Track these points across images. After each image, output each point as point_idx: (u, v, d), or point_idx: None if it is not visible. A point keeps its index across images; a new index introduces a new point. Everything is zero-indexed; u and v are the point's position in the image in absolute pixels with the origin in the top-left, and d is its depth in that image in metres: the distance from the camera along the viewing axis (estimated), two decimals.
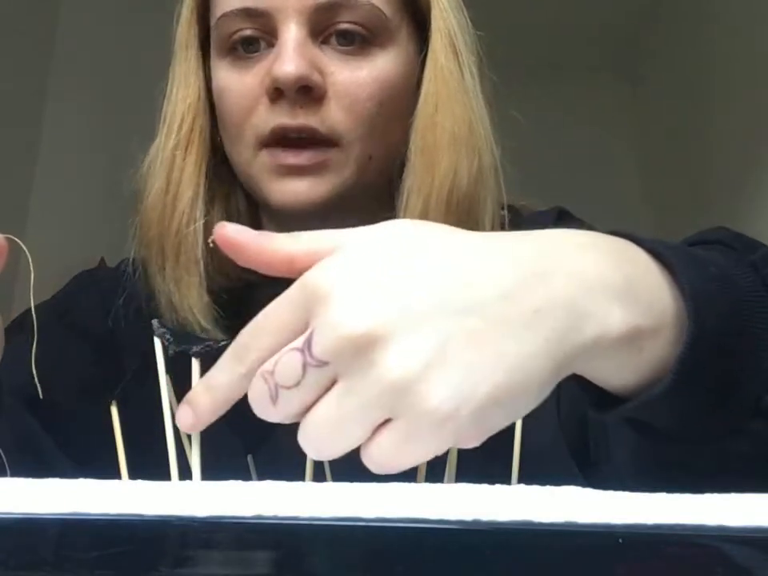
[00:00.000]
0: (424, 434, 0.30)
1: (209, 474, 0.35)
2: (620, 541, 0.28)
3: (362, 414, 0.30)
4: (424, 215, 0.57)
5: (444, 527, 0.28)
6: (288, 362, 0.30)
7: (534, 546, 0.28)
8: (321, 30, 0.57)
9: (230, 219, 0.60)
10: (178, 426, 0.34)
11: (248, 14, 0.56)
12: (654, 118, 3.28)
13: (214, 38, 0.60)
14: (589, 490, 0.30)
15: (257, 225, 0.65)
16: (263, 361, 0.31)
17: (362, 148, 0.58)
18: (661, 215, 3.21)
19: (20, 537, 0.28)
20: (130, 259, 0.66)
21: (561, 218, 0.59)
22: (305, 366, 0.30)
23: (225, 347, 0.37)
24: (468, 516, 0.28)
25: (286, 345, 0.31)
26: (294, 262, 0.33)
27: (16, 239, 0.48)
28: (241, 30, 0.57)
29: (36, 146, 2.58)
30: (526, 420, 0.46)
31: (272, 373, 0.31)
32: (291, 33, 0.55)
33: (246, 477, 0.45)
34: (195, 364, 0.36)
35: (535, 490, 0.31)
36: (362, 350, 0.29)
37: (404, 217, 0.57)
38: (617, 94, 3.45)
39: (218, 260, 0.61)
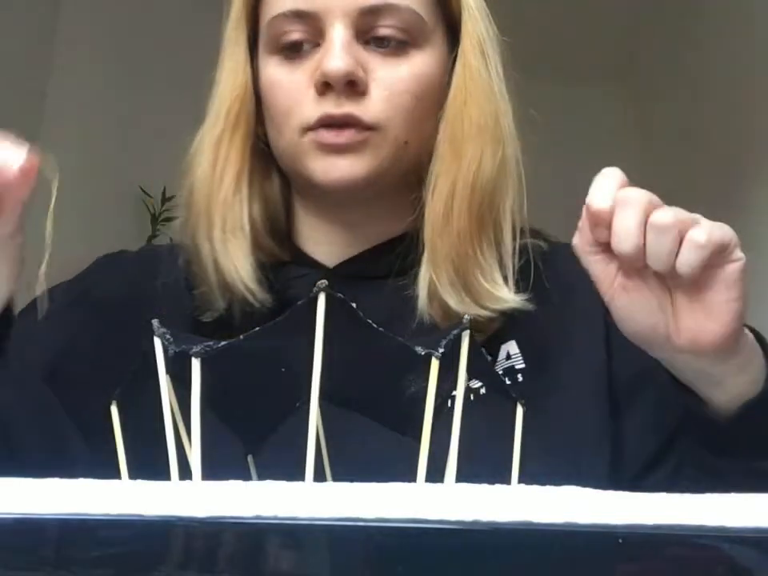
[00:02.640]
0: None
1: (209, 473, 0.35)
2: (620, 541, 0.28)
3: None
4: (450, 197, 0.62)
5: (444, 527, 0.28)
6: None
7: (534, 546, 0.28)
8: (364, 31, 0.62)
9: (266, 197, 0.68)
10: None
11: (297, 15, 0.62)
12: (655, 121, 3.28)
13: (264, 37, 0.65)
14: (589, 490, 0.30)
15: (288, 204, 0.70)
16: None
17: (398, 133, 0.63)
18: None
19: (20, 537, 0.28)
20: (183, 242, 0.69)
21: None
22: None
23: (225, 348, 0.37)
24: (468, 516, 0.28)
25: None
26: None
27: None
28: (290, 31, 0.62)
29: (36, 143, 2.58)
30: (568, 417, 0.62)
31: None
32: (338, 32, 0.61)
33: (246, 477, 0.45)
34: (195, 364, 0.36)
35: (535, 489, 0.31)
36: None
37: (432, 199, 0.63)
38: (618, 97, 3.45)
39: (255, 235, 0.66)
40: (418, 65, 0.64)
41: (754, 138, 2.40)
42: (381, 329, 0.38)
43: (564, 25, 3.01)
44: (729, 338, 0.53)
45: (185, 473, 0.36)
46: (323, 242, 0.69)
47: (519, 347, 0.65)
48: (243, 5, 0.67)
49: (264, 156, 0.68)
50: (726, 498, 0.30)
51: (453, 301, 0.62)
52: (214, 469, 0.36)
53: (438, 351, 0.36)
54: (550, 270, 0.67)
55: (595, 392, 0.64)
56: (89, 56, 2.79)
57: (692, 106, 2.91)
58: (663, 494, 0.30)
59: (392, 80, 0.63)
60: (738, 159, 2.48)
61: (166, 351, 0.37)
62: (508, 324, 0.64)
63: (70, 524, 0.28)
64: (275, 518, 0.28)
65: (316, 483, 0.31)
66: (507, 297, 0.62)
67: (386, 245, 0.68)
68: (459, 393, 0.39)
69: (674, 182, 3.00)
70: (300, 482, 0.31)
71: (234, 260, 0.64)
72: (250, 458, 0.48)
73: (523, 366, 0.64)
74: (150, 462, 0.38)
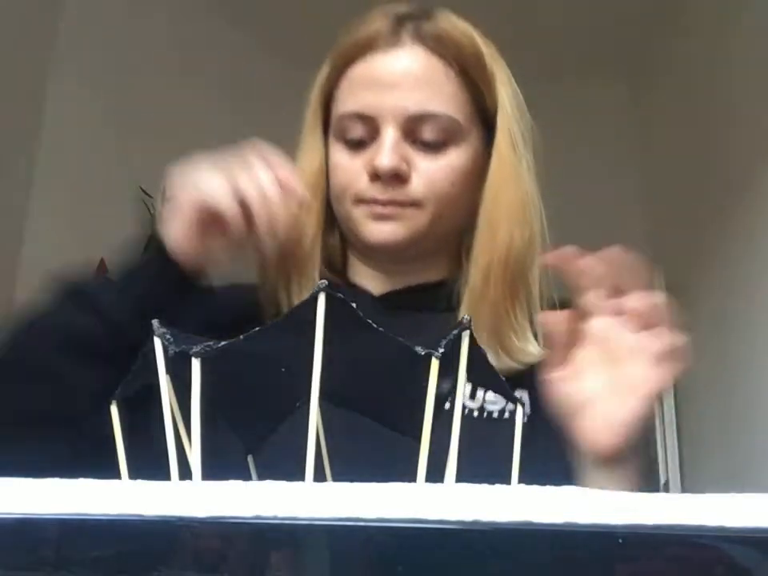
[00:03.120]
0: None
1: (209, 473, 0.35)
2: (620, 541, 0.28)
3: None
4: (488, 270, 0.76)
5: (444, 527, 0.28)
6: None
7: (533, 546, 0.28)
8: (411, 132, 0.77)
9: (328, 251, 0.84)
10: None
11: (359, 116, 0.78)
12: (657, 123, 3.28)
13: (333, 127, 0.81)
14: (589, 490, 0.30)
15: (345, 256, 0.86)
16: None
17: (433, 210, 0.78)
18: (660, 219, 3.21)
19: (20, 537, 0.28)
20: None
21: None
22: None
23: (224, 348, 0.37)
24: (468, 516, 0.28)
25: None
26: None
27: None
28: (353, 128, 0.79)
29: (36, 143, 2.58)
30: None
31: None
32: (389, 134, 0.76)
33: (246, 477, 0.45)
34: (195, 364, 0.36)
35: (535, 490, 0.31)
36: None
37: (472, 270, 0.78)
38: (618, 99, 3.45)
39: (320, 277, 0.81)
40: (453, 159, 0.78)
41: (761, 143, 2.40)
42: (381, 329, 0.38)
43: (567, 22, 3.01)
44: (618, 449, 0.64)
45: (185, 472, 0.36)
46: (370, 281, 0.84)
47: (529, 396, 0.76)
48: (319, 98, 0.84)
49: (330, 215, 0.84)
50: (725, 497, 0.30)
51: (489, 357, 0.72)
52: (214, 469, 0.37)
53: (437, 351, 0.36)
54: None
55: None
56: (90, 55, 2.79)
57: (698, 110, 2.91)
58: (663, 494, 0.30)
59: (430, 171, 0.77)
60: (746, 165, 2.48)
61: (166, 351, 0.37)
62: (525, 374, 0.75)
63: (69, 524, 0.28)
64: (275, 518, 0.28)
65: (316, 483, 0.31)
66: (535, 352, 0.75)
67: (425, 286, 0.82)
68: (459, 393, 0.39)
69: (676, 181, 3.01)
70: (300, 482, 0.31)
71: None
72: (250, 458, 0.48)
73: (529, 413, 0.75)
74: (152, 461, 0.38)
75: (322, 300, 0.36)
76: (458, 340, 0.38)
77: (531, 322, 0.77)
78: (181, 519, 0.28)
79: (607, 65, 3.33)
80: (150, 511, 0.28)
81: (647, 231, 3.36)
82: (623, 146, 3.38)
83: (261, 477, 0.45)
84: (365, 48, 0.79)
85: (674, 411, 3.05)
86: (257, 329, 0.38)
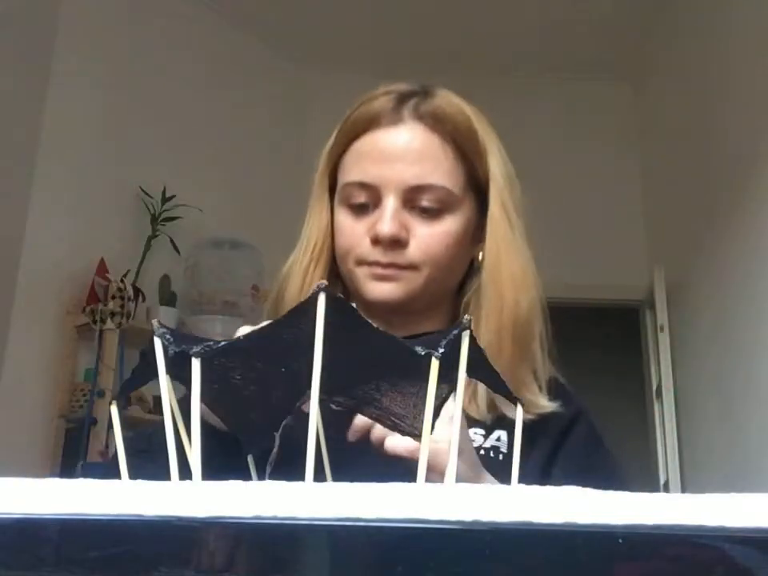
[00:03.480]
0: None
1: (209, 474, 0.35)
2: (620, 541, 0.28)
3: None
4: (498, 331, 0.83)
5: (444, 527, 0.28)
6: None
7: (533, 546, 0.28)
8: (410, 201, 0.85)
9: None
10: None
11: (363, 185, 0.85)
12: (657, 123, 3.28)
13: (338, 194, 0.89)
14: (589, 490, 0.30)
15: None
16: None
17: (428, 273, 0.86)
18: (660, 219, 3.21)
19: (20, 537, 0.28)
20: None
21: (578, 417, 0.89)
22: None
23: (224, 347, 0.37)
24: (468, 516, 0.28)
25: None
26: None
27: None
28: (357, 195, 0.86)
29: (36, 143, 2.58)
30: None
31: None
32: (390, 203, 0.84)
33: (247, 477, 0.45)
34: (195, 364, 0.36)
35: (535, 490, 0.31)
36: None
37: (484, 331, 0.84)
38: (619, 96, 3.45)
39: None
40: (448, 225, 0.86)
41: (759, 140, 2.40)
42: (381, 329, 0.38)
43: (568, 20, 3.01)
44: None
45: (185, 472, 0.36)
46: None
47: (507, 437, 0.83)
48: (326, 165, 0.92)
49: (335, 270, 0.91)
50: (725, 497, 0.30)
51: (509, 412, 0.80)
52: (213, 469, 0.37)
53: (437, 351, 0.36)
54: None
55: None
56: (90, 55, 2.79)
57: (698, 108, 2.90)
58: (663, 494, 0.30)
59: (427, 237, 0.85)
60: (745, 162, 2.48)
61: (166, 351, 0.37)
62: (505, 418, 0.82)
63: (69, 524, 0.28)
64: (275, 518, 0.28)
65: (316, 483, 0.31)
66: (546, 404, 0.82)
67: (420, 336, 0.85)
68: (459, 392, 0.39)
69: (676, 181, 3.01)
70: (300, 482, 0.31)
71: None
72: (249, 458, 0.48)
73: (505, 452, 0.82)
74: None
75: (321, 300, 0.36)
76: (457, 340, 0.38)
77: (536, 376, 0.85)
78: (181, 519, 0.28)
79: (609, 65, 3.33)
80: (149, 511, 0.28)
81: (647, 231, 3.36)
82: (624, 146, 3.38)
83: (261, 477, 0.45)
84: (370, 124, 0.86)
85: (674, 411, 3.06)
86: (256, 328, 0.38)
